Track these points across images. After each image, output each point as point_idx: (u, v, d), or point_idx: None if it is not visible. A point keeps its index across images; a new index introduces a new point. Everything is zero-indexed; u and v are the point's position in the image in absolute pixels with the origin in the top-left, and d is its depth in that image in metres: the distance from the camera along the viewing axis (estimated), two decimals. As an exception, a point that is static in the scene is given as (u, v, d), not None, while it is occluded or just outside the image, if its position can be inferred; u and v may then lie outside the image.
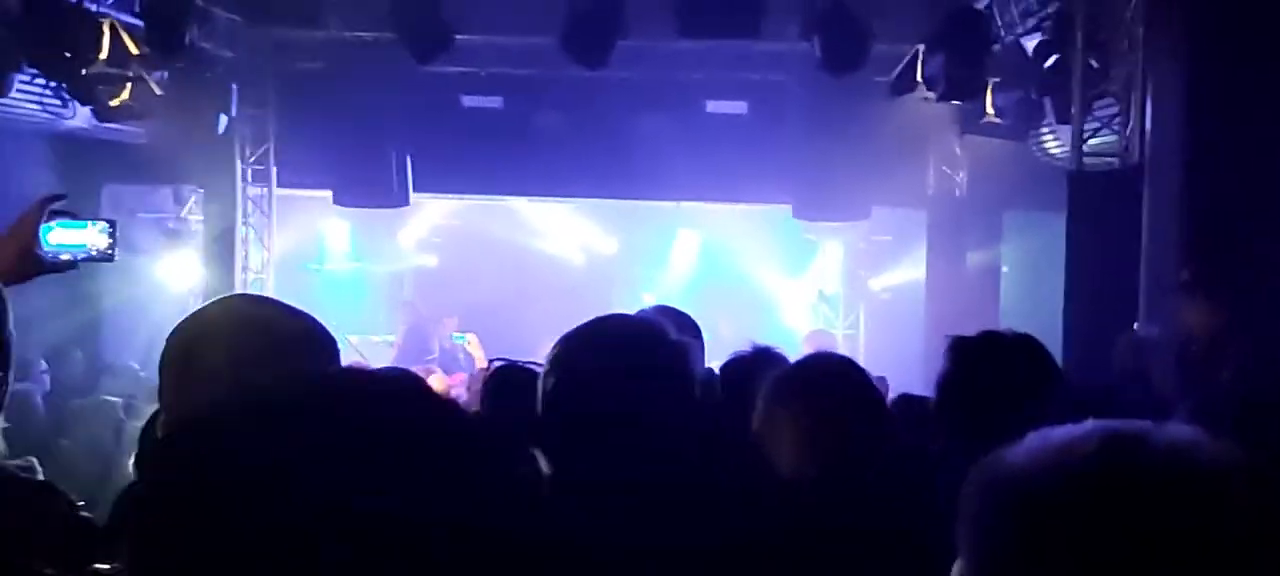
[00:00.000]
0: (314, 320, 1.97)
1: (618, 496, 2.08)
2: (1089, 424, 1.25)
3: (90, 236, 2.84)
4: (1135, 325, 7.87)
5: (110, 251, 2.87)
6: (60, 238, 2.68)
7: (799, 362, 2.84)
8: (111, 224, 2.91)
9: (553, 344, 2.33)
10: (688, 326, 3.61)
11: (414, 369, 6.45)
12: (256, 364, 1.80)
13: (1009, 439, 2.75)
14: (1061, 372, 2.98)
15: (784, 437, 2.60)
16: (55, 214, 2.67)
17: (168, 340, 1.95)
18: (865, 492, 2.57)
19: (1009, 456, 1.25)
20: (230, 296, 2.19)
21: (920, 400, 4.25)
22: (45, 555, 1.85)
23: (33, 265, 2.59)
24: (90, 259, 2.83)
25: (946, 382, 3.02)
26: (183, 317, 1.99)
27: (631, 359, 2.22)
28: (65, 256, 2.68)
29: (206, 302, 2.08)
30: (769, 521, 2.38)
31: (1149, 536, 1.14)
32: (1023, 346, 2.99)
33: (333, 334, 1.96)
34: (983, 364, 2.95)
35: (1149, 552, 1.14)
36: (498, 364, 4.48)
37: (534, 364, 4.37)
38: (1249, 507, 1.17)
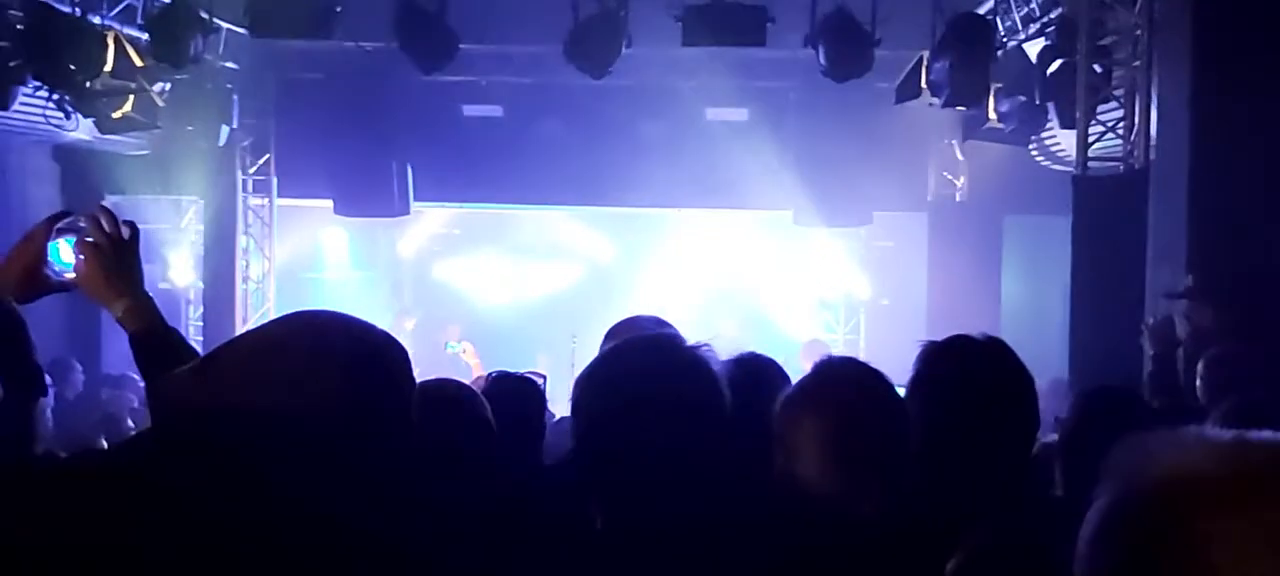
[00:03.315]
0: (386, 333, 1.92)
1: (664, 543, 2.08)
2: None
3: None
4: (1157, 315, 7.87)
5: None
6: (65, 256, 2.58)
7: (818, 369, 2.73)
8: None
9: (572, 373, 2.31)
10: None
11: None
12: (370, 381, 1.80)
13: (975, 439, 2.75)
14: (1029, 375, 2.95)
15: (806, 447, 2.56)
16: (61, 231, 2.58)
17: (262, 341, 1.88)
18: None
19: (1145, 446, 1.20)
20: (314, 311, 2.07)
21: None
22: None
23: (40, 284, 2.54)
24: None
25: (915, 385, 3.00)
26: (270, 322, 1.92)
27: (660, 390, 2.20)
28: (70, 276, 2.58)
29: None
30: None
31: None
32: (991, 349, 2.98)
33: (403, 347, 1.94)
34: (951, 367, 2.93)
35: None
36: (495, 373, 4.49)
37: (535, 374, 4.41)
38: None
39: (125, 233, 2.59)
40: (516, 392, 4.07)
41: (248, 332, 1.96)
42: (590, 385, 2.24)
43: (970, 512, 2.57)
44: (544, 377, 4.41)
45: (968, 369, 2.88)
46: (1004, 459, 2.82)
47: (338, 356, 1.78)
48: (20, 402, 2.33)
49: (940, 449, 2.78)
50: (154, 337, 2.50)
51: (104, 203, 12.15)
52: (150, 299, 2.59)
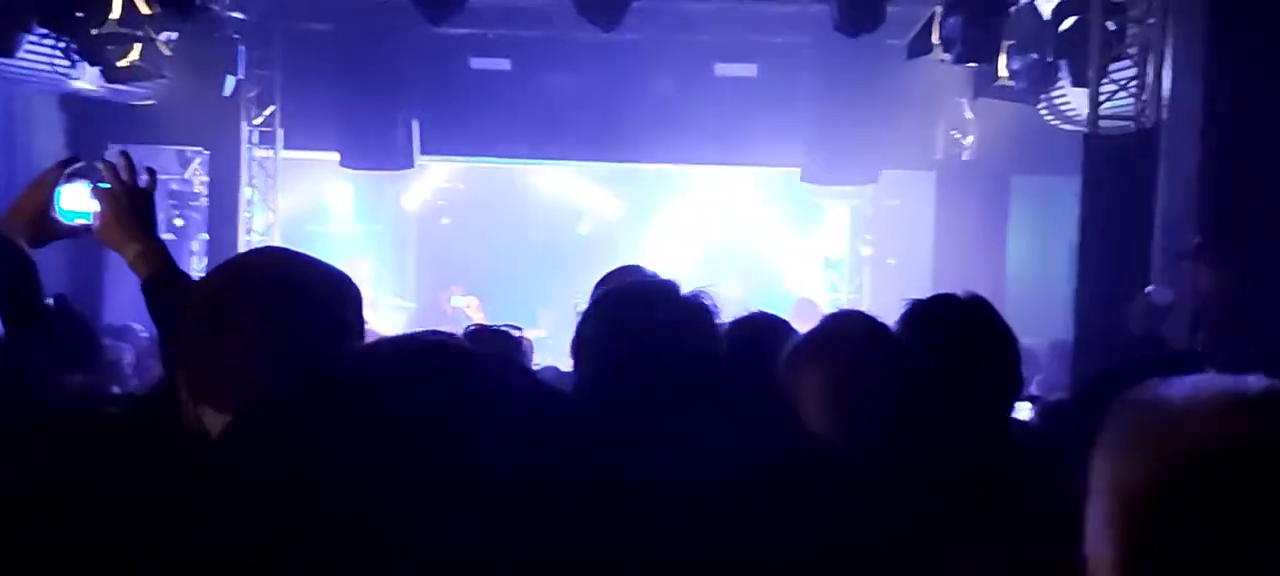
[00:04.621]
0: (343, 273, 1.98)
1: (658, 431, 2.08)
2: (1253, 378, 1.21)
3: None
4: (1149, 288, 7.88)
5: None
6: (73, 202, 2.58)
7: (824, 321, 2.76)
8: None
9: (584, 298, 2.32)
10: None
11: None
12: (288, 315, 1.83)
13: (954, 398, 2.73)
14: (1012, 335, 2.93)
15: (810, 398, 2.52)
16: (73, 176, 2.58)
17: (198, 289, 1.99)
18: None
19: (1165, 396, 1.21)
20: (262, 248, 2.19)
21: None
22: None
23: (49, 229, 2.55)
24: None
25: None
26: (212, 268, 2.04)
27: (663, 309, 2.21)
28: (79, 222, 2.58)
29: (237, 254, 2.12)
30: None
31: None
32: (973, 307, 2.96)
33: (358, 286, 1.98)
34: (933, 324, 2.91)
35: None
36: (471, 327, 4.54)
37: (511, 326, 4.44)
38: None
39: (144, 179, 2.59)
40: (491, 344, 4.11)
41: (205, 279, 2.05)
42: (590, 323, 2.24)
43: (944, 472, 2.56)
44: (520, 329, 4.47)
45: (950, 327, 2.87)
46: (982, 418, 2.81)
47: (278, 300, 1.84)
48: (26, 346, 2.33)
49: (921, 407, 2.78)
50: (166, 284, 2.49)
51: (108, 152, 12.19)
52: (163, 245, 2.59)
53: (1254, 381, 1.20)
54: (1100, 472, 1.22)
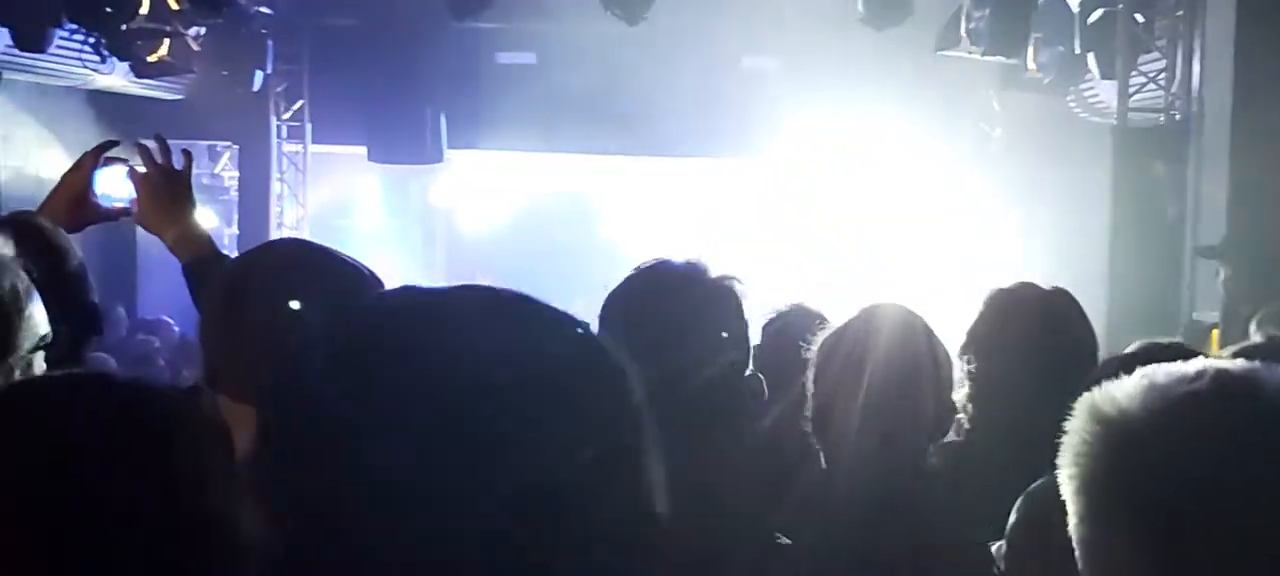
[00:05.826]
0: (363, 264, 1.99)
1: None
2: (1199, 362, 1.27)
3: None
4: (1194, 315, 7.91)
5: None
6: (109, 186, 2.60)
7: (861, 313, 2.59)
8: None
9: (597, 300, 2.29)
10: None
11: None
12: (304, 300, 1.82)
13: (1037, 391, 2.70)
14: (1090, 324, 2.91)
15: (843, 392, 2.44)
16: (109, 161, 2.61)
17: (217, 278, 2.03)
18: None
19: (1118, 393, 1.27)
20: (281, 238, 2.19)
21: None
22: None
23: (87, 212, 2.58)
24: None
25: (977, 332, 2.94)
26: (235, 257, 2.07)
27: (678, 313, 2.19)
28: (118, 205, 2.61)
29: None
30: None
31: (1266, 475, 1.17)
32: (1059, 300, 2.93)
33: (381, 279, 1.99)
34: (1019, 315, 2.87)
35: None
36: None
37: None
38: None
39: (179, 163, 2.61)
40: None
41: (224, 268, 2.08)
42: (612, 304, 2.23)
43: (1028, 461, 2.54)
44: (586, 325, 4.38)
45: (1038, 318, 2.84)
46: (1065, 411, 2.77)
47: (293, 289, 1.84)
48: (72, 341, 2.34)
49: (1001, 398, 2.74)
50: (206, 267, 2.50)
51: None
52: (202, 228, 2.60)
53: (1191, 371, 1.24)
54: (1063, 483, 1.29)
